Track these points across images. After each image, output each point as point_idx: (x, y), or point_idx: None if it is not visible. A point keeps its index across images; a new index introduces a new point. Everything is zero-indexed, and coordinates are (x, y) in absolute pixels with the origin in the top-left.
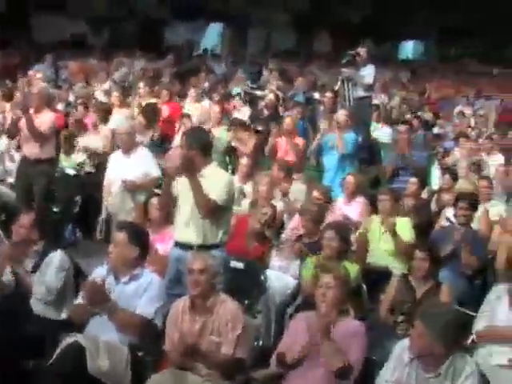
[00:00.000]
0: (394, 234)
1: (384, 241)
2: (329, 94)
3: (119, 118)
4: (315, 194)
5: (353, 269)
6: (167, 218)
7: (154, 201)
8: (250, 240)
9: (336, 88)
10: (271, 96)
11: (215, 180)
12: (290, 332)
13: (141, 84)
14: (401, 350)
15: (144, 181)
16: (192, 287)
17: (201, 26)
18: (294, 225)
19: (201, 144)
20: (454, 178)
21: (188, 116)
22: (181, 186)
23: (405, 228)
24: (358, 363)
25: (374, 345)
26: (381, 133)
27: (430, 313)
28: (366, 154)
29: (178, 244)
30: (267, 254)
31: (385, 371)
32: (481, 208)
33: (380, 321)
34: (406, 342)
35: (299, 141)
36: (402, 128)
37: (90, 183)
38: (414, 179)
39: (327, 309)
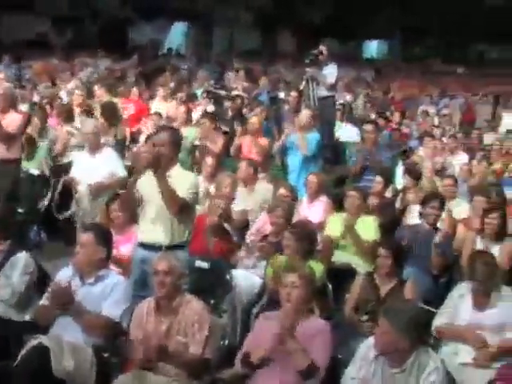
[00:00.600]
0: (353, 233)
1: (347, 239)
2: (293, 94)
3: (84, 119)
4: (282, 191)
5: (318, 268)
6: (131, 218)
7: (117, 201)
8: (208, 236)
9: (301, 87)
10: (236, 98)
11: (181, 180)
12: (254, 332)
13: (96, 86)
14: (366, 347)
15: (110, 181)
16: (157, 288)
17: (165, 26)
18: (259, 224)
19: (173, 142)
20: (418, 177)
21: (158, 114)
22: (146, 185)
23: (369, 227)
24: (324, 362)
25: (339, 344)
26: (345, 132)
27: (393, 309)
28: (331, 153)
29: (143, 245)
30: (233, 252)
31: (351, 369)
32: (445, 207)
33: (345, 319)
34: (371, 340)
35: (263, 141)
36: (369, 127)
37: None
38: (379, 178)
39: (292, 308)
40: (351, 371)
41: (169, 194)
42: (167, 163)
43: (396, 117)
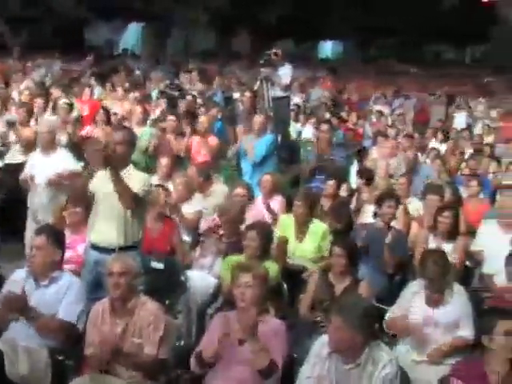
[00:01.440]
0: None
1: (300, 241)
2: (247, 94)
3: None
4: (239, 190)
5: (273, 268)
6: (86, 218)
7: (72, 202)
8: (152, 227)
9: (255, 88)
10: (189, 98)
11: (133, 179)
12: (209, 332)
13: (52, 87)
14: (320, 345)
15: (66, 175)
16: (112, 290)
17: (121, 26)
18: (208, 224)
19: (128, 142)
20: (370, 178)
21: (106, 111)
22: (99, 185)
23: (317, 232)
24: (280, 362)
25: (295, 343)
26: (301, 132)
27: (346, 306)
28: (286, 153)
29: (95, 246)
30: (183, 247)
31: (305, 368)
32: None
33: (301, 319)
34: (324, 337)
35: (213, 140)
36: (324, 127)
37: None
38: (331, 181)
39: (246, 308)
40: (306, 370)
41: (123, 188)
42: (121, 162)
43: (353, 117)
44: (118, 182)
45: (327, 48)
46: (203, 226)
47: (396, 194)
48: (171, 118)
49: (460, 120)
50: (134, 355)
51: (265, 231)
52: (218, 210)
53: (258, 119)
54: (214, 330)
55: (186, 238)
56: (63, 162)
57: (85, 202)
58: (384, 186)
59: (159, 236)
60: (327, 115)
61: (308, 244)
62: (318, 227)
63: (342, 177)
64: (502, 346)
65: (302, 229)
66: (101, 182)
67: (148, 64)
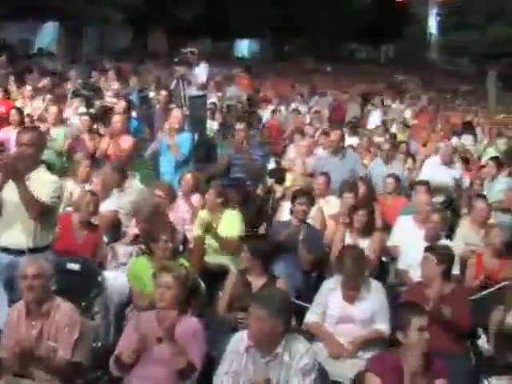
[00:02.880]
0: (211, 232)
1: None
2: (163, 93)
3: None
4: (159, 192)
5: (189, 267)
6: None
7: None
8: (77, 232)
9: (171, 87)
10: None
11: (42, 183)
12: (125, 334)
13: None
14: (236, 341)
15: None
16: (26, 293)
17: (36, 26)
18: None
19: (37, 143)
20: (281, 178)
21: (19, 110)
22: (6, 189)
23: (232, 222)
24: (199, 361)
25: (213, 342)
26: (217, 130)
27: (265, 297)
28: (203, 152)
29: (6, 249)
30: (101, 247)
31: (223, 364)
32: (317, 204)
33: (219, 317)
34: (240, 333)
35: (127, 139)
36: (240, 125)
37: None
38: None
39: (165, 308)
40: (223, 366)
41: (28, 200)
42: (30, 165)
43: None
44: (23, 194)
45: (243, 47)
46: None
47: (309, 192)
48: (85, 117)
49: (374, 118)
50: (48, 358)
51: (174, 233)
52: (132, 209)
53: (177, 115)
54: (130, 331)
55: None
56: None
57: None
58: (303, 184)
59: (83, 243)
60: (244, 113)
61: (222, 232)
62: (231, 214)
63: (257, 175)
64: (416, 341)
65: (215, 218)
66: (7, 187)
67: (64, 63)
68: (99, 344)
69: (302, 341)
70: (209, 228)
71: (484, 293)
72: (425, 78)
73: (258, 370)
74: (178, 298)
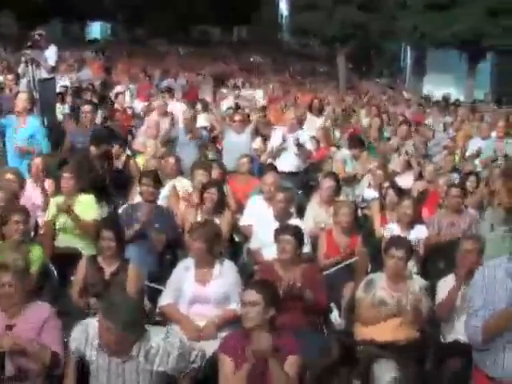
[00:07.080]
0: (70, 214)
1: (67, 222)
2: (10, 77)
3: None
4: (9, 176)
5: (36, 252)
6: None
7: None
8: None
9: (19, 70)
10: None
11: None
12: None
13: None
14: (83, 329)
15: None
16: None
17: None
18: None
19: None
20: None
21: None
22: None
23: (88, 205)
24: (59, 348)
25: (67, 327)
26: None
27: (112, 308)
28: (53, 136)
29: None
30: None
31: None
32: (169, 184)
33: (72, 303)
34: (89, 320)
35: None
36: (86, 108)
37: None
38: None
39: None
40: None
41: None
42: None
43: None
44: None
45: (95, 29)
46: None
47: (155, 172)
48: None
49: (228, 102)
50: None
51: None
52: None
53: (22, 98)
54: None
55: None
56: None
57: None
58: (154, 166)
59: None
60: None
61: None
62: (86, 198)
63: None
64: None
65: (71, 203)
66: None
67: None
68: None
69: (154, 333)
70: (68, 211)
71: (335, 268)
72: (278, 59)
73: (114, 370)
74: (20, 292)
